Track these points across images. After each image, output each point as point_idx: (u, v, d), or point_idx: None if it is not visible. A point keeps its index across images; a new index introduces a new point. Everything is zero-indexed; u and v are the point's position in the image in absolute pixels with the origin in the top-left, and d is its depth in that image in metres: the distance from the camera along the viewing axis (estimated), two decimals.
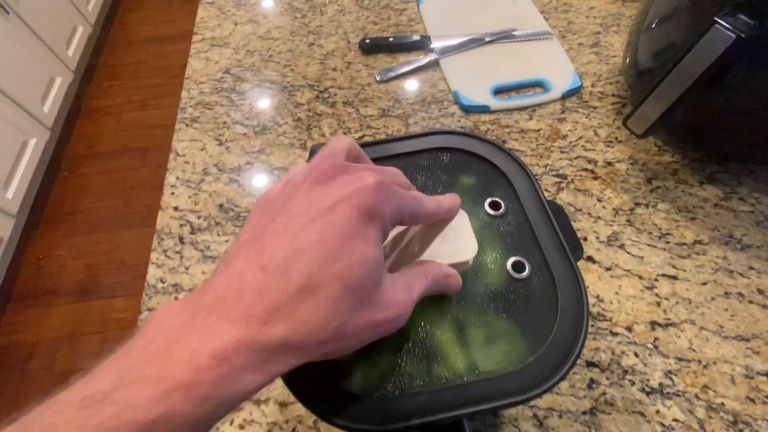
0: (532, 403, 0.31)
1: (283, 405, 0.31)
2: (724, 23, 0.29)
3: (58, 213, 1.38)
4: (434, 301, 0.21)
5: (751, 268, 0.36)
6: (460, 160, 0.25)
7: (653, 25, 0.40)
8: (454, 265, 0.20)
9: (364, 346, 0.16)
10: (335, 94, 0.49)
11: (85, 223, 1.36)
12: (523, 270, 0.21)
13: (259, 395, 0.32)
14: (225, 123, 0.48)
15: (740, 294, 0.35)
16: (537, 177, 0.40)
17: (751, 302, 0.34)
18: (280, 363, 0.14)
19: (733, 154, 0.41)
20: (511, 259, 0.21)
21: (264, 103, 0.49)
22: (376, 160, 0.25)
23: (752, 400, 0.31)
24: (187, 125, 0.48)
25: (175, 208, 0.42)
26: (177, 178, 0.44)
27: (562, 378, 0.18)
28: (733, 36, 0.28)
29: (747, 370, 0.32)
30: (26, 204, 1.33)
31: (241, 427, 0.31)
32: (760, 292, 0.35)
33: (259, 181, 0.43)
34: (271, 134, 0.46)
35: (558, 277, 0.21)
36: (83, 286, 1.24)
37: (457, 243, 0.20)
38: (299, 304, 0.14)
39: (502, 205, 0.23)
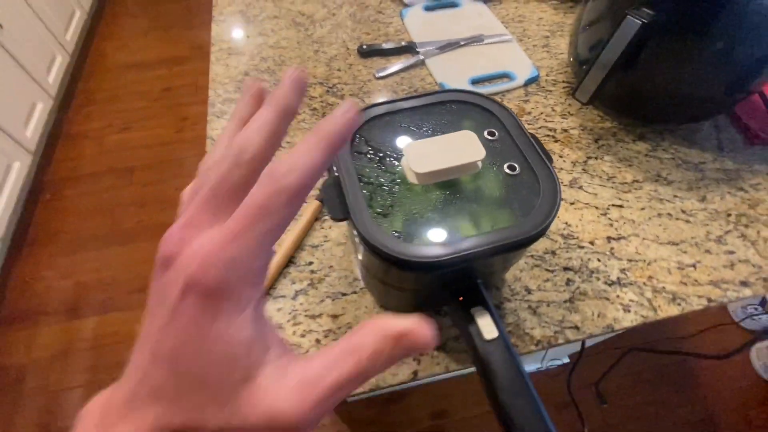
0: (526, 297, 0.40)
1: (334, 317, 0.39)
2: (632, 15, 0.41)
3: (43, 234, 1.37)
4: (455, 190, 0.30)
5: (675, 196, 0.48)
6: (462, 109, 0.35)
7: (586, 27, 0.53)
8: (467, 165, 0.29)
9: None
10: (342, 89, 0.59)
11: (72, 243, 1.36)
12: (515, 170, 0.31)
13: (314, 311, 0.39)
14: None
15: (669, 214, 0.46)
16: None
17: (677, 219, 0.46)
18: None
19: (655, 117, 0.54)
20: (506, 164, 0.31)
21: None
22: (395, 114, 0.34)
23: (684, 284, 0.41)
24: (217, 117, 0.56)
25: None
26: None
27: (547, 227, 0.28)
28: (639, 23, 0.41)
29: (679, 264, 0.43)
30: (10, 227, 1.32)
31: (302, 335, 0.38)
32: (683, 212, 0.47)
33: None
34: (292, 121, 0.55)
35: (538, 173, 0.31)
36: (73, 304, 1.24)
37: (470, 151, 0.29)
38: (164, 399, 0.14)
39: (496, 133, 0.33)
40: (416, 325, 0.15)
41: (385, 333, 0.15)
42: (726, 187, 0.49)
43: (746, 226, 0.45)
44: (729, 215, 0.46)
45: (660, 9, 0.41)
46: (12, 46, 1.39)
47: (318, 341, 0.38)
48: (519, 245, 0.28)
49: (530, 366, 0.96)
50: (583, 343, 0.58)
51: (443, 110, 0.35)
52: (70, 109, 1.72)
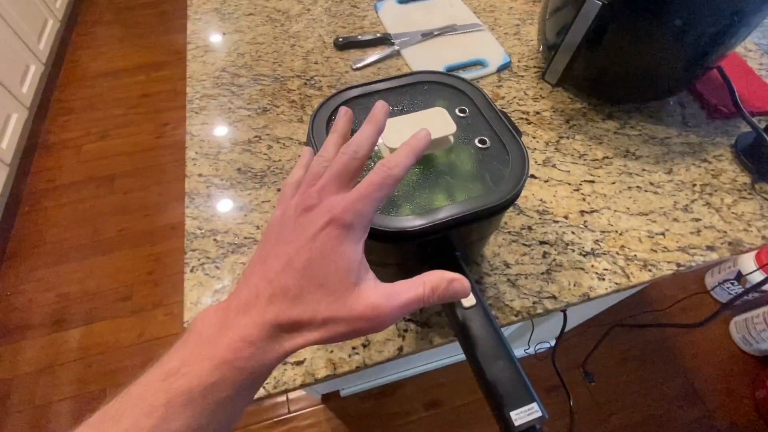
0: (505, 271, 0.42)
1: None
2: None
3: (22, 248, 1.34)
4: (429, 165, 0.31)
5: (644, 170, 0.50)
6: (434, 89, 0.36)
7: (553, 13, 0.55)
8: (440, 139, 0.30)
9: (350, 339, 0.23)
10: (320, 81, 0.60)
11: (53, 254, 1.33)
12: (486, 143, 0.32)
13: None
14: (230, 109, 0.56)
15: (638, 187, 0.48)
16: None
17: (646, 191, 0.48)
18: (285, 340, 0.20)
19: (622, 96, 0.56)
20: (477, 138, 0.33)
21: (261, 91, 0.58)
22: (371, 95, 0.35)
23: (654, 251, 0.43)
24: (196, 113, 0.56)
25: (199, 175, 0.49)
26: (196, 153, 0.51)
27: (517, 194, 0.29)
28: (600, 3, 0.43)
29: (649, 233, 0.45)
30: None
31: None
32: (651, 184, 0.49)
33: (268, 149, 0.52)
34: (271, 114, 0.56)
35: (508, 145, 0.32)
36: (57, 316, 1.21)
37: (442, 126, 0.31)
38: (286, 298, 0.20)
39: (467, 110, 0.35)
40: (461, 277, 0.24)
41: (443, 277, 0.23)
42: (690, 159, 0.51)
43: (710, 194, 0.48)
44: (694, 185, 0.48)
45: None
46: None
47: None
48: (491, 213, 0.29)
49: (517, 350, 0.97)
50: (564, 320, 0.60)
51: (416, 91, 0.36)
52: (46, 119, 1.69)
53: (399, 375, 1.09)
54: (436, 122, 0.31)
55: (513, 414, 0.26)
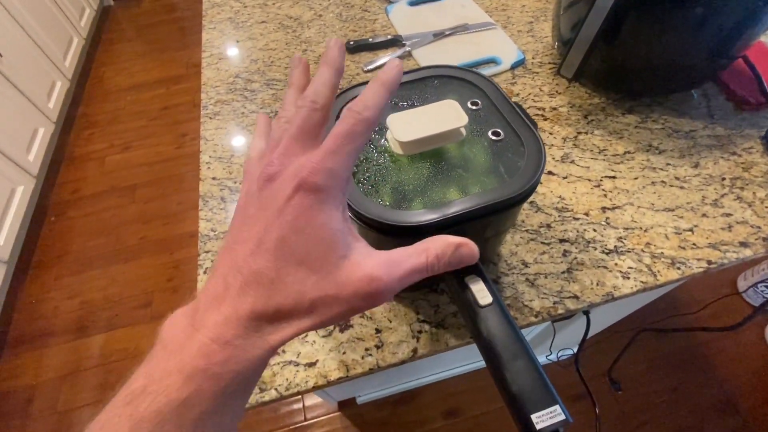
0: (523, 270, 0.40)
1: None
2: None
3: (48, 257, 1.38)
4: (441, 158, 0.30)
5: (668, 164, 0.48)
6: (445, 83, 0.36)
7: (567, 8, 0.54)
8: (452, 132, 0.29)
9: (346, 319, 0.20)
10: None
11: (77, 263, 1.37)
12: (500, 135, 0.31)
13: None
14: (243, 113, 0.57)
15: (663, 182, 0.46)
16: None
17: (672, 186, 0.46)
18: (268, 332, 0.17)
19: (643, 90, 0.54)
20: (491, 131, 0.32)
21: (273, 95, 0.59)
22: None
23: (683, 248, 0.41)
24: (210, 118, 0.57)
25: (213, 178, 0.50)
26: (210, 157, 0.52)
27: (533, 186, 0.28)
28: None
29: (676, 229, 0.42)
30: (16, 251, 1.34)
31: None
32: (676, 178, 0.46)
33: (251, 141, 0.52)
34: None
35: (523, 137, 0.31)
36: (80, 323, 1.24)
37: (453, 118, 0.30)
38: (261, 285, 0.17)
39: (480, 102, 0.34)
40: (468, 241, 0.22)
41: (448, 242, 0.21)
42: (719, 152, 0.48)
43: (742, 188, 0.45)
44: (723, 179, 0.46)
45: None
46: (12, 74, 1.42)
47: None
48: (506, 206, 0.28)
49: (539, 357, 0.94)
50: (588, 323, 0.57)
51: (427, 86, 0.36)
52: (72, 132, 1.76)
53: (417, 382, 1.07)
54: (448, 115, 0.30)
55: (534, 417, 0.24)
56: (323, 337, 0.37)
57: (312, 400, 1.09)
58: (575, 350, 0.99)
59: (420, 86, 0.36)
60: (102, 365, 1.16)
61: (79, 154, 1.68)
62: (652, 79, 0.52)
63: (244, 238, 0.18)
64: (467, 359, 1.03)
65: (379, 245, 0.33)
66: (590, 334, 0.57)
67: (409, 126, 0.30)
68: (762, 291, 1.11)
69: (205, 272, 0.41)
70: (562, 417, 0.24)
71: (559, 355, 0.96)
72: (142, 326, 1.22)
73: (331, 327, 0.37)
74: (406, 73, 0.36)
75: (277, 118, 0.22)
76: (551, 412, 0.24)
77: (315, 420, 1.06)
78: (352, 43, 0.64)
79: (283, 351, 0.36)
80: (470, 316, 0.30)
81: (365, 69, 0.61)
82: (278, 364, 0.35)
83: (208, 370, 0.16)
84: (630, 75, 0.53)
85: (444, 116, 0.30)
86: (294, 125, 0.19)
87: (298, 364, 0.35)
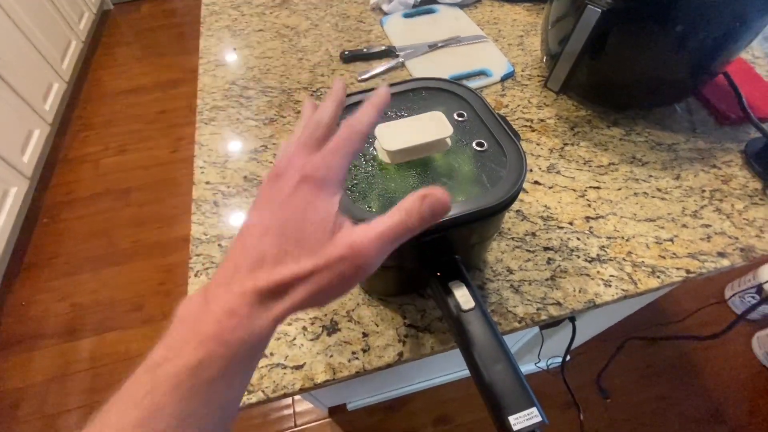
0: (508, 276, 0.41)
1: None
2: (592, 4, 0.44)
3: (39, 259, 1.37)
4: (427, 168, 0.31)
5: (651, 176, 0.49)
6: (433, 95, 0.37)
7: (554, 22, 0.56)
8: (437, 142, 0.31)
9: (341, 291, 0.22)
10: (326, 92, 0.61)
11: (68, 265, 1.36)
12: (483, 146, 0.32)
13: None
14: (238, 119, 0.58)
15: (645, 193, 0.48)
16: None
17: (653, 197, 0.47)
18: (273, 304, 0.19)
19: (627, 104, 0.56)
20: (475, 141, 0.33)
21: (268, 102, 0.60)
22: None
23: (663, 257, 0.42)
24: (205, 123, 0.58)
25: (207, 183, 0.50)
26: (204, 161, 0.53)
27: (514, 195, 0.29)
28: (599, 11, 0.43)
29: (657, 239, 0.44)
30: (7, 252, 1.33)
31: (289, 324, 0.39)
32: (658, 190, 0.48)
33: (274, 158, 0.53)
34: (278, 124, 0.57)
35: (506, 148, 0.32)
36: (70, 326, 1.23)
37: (439, 129, 0.31)
38: (265, 264, 0.20)
39: (465, 114, 0.35)
40: (435, 189, 0.22)
41: (414, 196, 0.22)
42: (699, 165, 0.50)
43: (720, 200, 0.47)
44: (704, 191, 0.47)
45: None
46: (9, 76, 1.42)
47: (305, 328, 0.38)
48: (488, 213, 0.29)
49: (527, 365, 0.95)
50: (573, 331, 0.58)
51: (416, 97, 0.37)
52: (67, 134, 1.75)
53: (407, 389, 1.07)
54: (434, 125, 0.31)
55: (512, 419, 0.25)
56: (311, 340, 0.37)
57: (302, 406, 1.09)
58: (562, 357, 0.99)
59: (409, 97, 0.37)
60: (91, 369, 1.15)
61: (74, 156, 1.68)
62: (636, 93, 0.54)
63: (253, 225, 0.22)
64: (458, 366, 1.04)
65: None
66: (579, 342, 0.58)
67: (397, 136, 0.31)
68: (749, 301, 1.13)
69: (196, 275, 0.42)
70: (539, 419, 0.25)
71: (549, 363, 0.97)
72: (133, 330, 1.22)
73: (319, 331, 0.38)
74: (395, 84, 0.38)
75: (287, 141, 0.25)
76: (528, 414, 0.25)
77: (305, 426, 1.05)
78: (347, 53, 0.66)
79: (271, 354, 0.37)
80: (453, 320, 0.30)
81: (360, 78, 0.63)
82: (266, 366, 0.36)
83: (220, 336, 0.18)
84: (615, 89, 0.54)
85: (430, 127, 0.31)
86: (302, 138, 0.24)
87: (285, 367, 0.36)
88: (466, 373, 1.06)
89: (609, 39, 0.47)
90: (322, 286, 0.20)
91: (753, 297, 1.12)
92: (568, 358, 0.96)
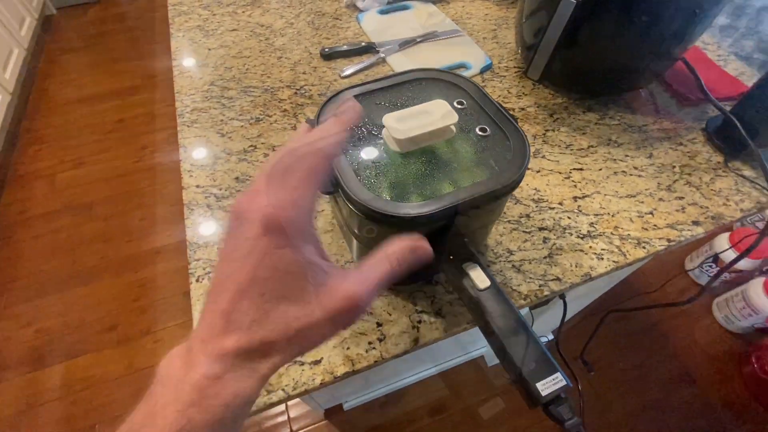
0: (509, 258, 0.43)
1: None
2: None
3: None
4: (434, 155, 0.32)
5: (627, 155, 0.53)
6: (430, 85, 0.38)
7: (528, 17, 0.58)
8: (443, 129, 0.32)
9: (330, 338, 0.22)
10: (310, 89, 0.61)
11: (29, 289, 1.27)
12: (486, 131, 0.34)
13: None
14: (222, 120, 0.56)
15: (624, 171, 0.51)
16: None
17: (631, 175, 0.51)
18: (259, 364, 0.18)
19: (600, 90, 0.59)
20: (478, 127, 0.34)
21: (252, 102, 0.59)
22: (371, 93, 0.36)
23: (646, 229, 0.46)
24: (188, 126, 0.56)
25: (197, 186, 0.49)
26: (191, 164, 0.51)
27: (521, 176, 0.31)
28: (573, 2, 0.46)
29: (639, 213, 0.47)
30: None
31: None
32: (635, 168, 0.51)
33: (264, 157, 0.52)
34: (264, 123, 0.56)
35: (507, 131, 0.34)
36: (37, 353, 1.15)
37: (444, 116, 0.32)
38: (243, 324, 0.18)
39: (465, 102, 0.36)
40: (420, 242, 0.23)
41: (403, 246, 0.23)
42: (668, 143, 0.54)
43: (690, 174, 0.51)
44: (674, 167, 0.51)
45: None
46: None
47: None
48: (498, 195, 0.30)
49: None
50: (564, 307, 0.61)
51: (413, 87, 0.38)
52: (16, 149, 1.63)
53: (402, 382, 1.08)
54: (439, 113, 0.32)
55: (539, 385, 0.27)
56: None
57: (297, 410, 1.07)
58: (550, 337, 1.04)
59: (407, 88, 0.38)
60: (65, 396, 1.07)
61: (26, 172, 1.56)
62: (607, 80, 0.57)
63: (222, 282, 0.19)
64: (450, 355, 1.06)
65: (380, 239, 0.35)
66: (565, 318, 0.61)
67: (405, 124, 0.31)
68: (707, 270, 1.23)
69: (197, 280, 0.41)
70: (563, 383, 0.27)
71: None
72: (108, 351, 1.15)
73: None
74: (392, 76, 0.38)
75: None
76: (554, 380, 0.27)
77: (301, 430, 1.04)
78: (327, 50, 0.66)
79: None
80: (470, 300, 0.32)
81: (342, 75, 0.63)
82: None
83: (202, 403, 0.17)
84: (588, 77, 0.58)
85: (436, 115, 0.32)
86: (267, 165, 0.21)
87: (303, 363, 0.36)
88: (458, 360, 1.08)
89: (581, 30, 0.50)
90: (316, 341, 0.20)
91: (710, 266, 1.21)
92: (552, 337, 1.01)
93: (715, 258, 1.17)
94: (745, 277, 1.19)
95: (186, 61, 0.65)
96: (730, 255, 1.09)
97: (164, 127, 1.71)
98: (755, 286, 1.10)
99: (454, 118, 0.32)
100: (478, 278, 0.32)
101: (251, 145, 0.53)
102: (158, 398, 0.18)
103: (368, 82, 0.38)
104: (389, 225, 0.29)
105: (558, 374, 0.27)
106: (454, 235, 0.34)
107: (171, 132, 1.67)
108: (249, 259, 0.19)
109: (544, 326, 0.95)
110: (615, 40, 0.51)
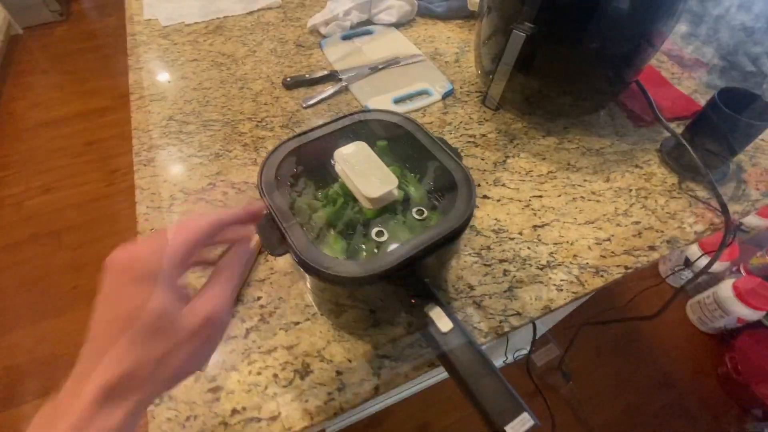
0: (470, 293, 0.43)
1: (289, 348, 0.39)
2: (517, 29, 0.47)
3: None
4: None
5: (585, 180, 0.53)
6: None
7: (485, 41, 0.59)
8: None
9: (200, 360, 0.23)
10: (272, 121, 0.60)
11: None
12: (423, 214, 0.34)
13: (268, 346, 0.39)
14: (180, 158, 0.55)
15: (582, 197, 0.52)
16: None
17: (589, 200, 0.51)
18: (116, 406, 0.19)
19: (558, 114, 0.60)
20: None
21: (211, 137, 0.58)
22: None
23: (604, 257, 0.46)
24: (144, 165, 0.54)
25: (152, 230, 0.48)
26: (147, 207, 0.50)
27: (471, 215, 0.31)
28: (524, 35, 0.46)
29: (597, 240, 0.48)
30: None
31: (258, 373, 0.38)
32: (593, 193, 0.52)
33: (224, 195, 0.51)
34: (224, 159, 0.55)
35: (452, 170, 0.33)
36: (6, 393, 1.10)
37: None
38: (106, 360, 0.20)
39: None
40: (240, 245, 0.27)
41: (232, 261, 0.26)
42: (624, 166, 0.55)
43: (645, 197, 0.52)
44: (630, 190, 0.52)
45: (539, 22, 0.47)
46: None
47: (276, 375, 0.37)
48: (451, 237, 0.30)
49: (496, 362, 0.99)
50: (534, 330, 0.62)
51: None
52: None
53: (383, 403, 1.07)
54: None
55: (508, 428, 0.26)
56: (284, 387, 0.37)
57: None
58: (527, 350, 1.05)
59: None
60: None
61: None
62: (564, 105, 0.58)
63: (94, 326, 0.21)
64: (432, 373, 1.06)
65: (340, 297, 0.34)
66: (539, 334, 0.62)
67: (370, 182, 0.31)
68: (680, 275, 1.26)
69: None
70: (532, 422, 0.27)
71: (516, 355, 1.01)
72: None
73: (291, 376, 0.37)
74: (332, 122, 0.37)
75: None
76: (521, 420, 0.27)
77: None
78: (289, 79, 0.65)
79: (243, 408, 0.35)
80: (435, 344, 0.31)
81: (305, 105, 0.62)
82: (239, 422, 0.35)
83: None
84: (545, 101, 0.58)
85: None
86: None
87: (260, 420, 0.35)
88: (440, 377, 1.08)
89: (535, 58, 0.51)
90: (184, 365, 0.22)
91: (682, 269, 1.24)
92: (529, 351, 1.01)
93: (687, 262, 1.20)
94: (716, 278, 1.22)
95: (144, 95, 0.64)
96: (702, 261, 1.12)
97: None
98: (725, 287, 1.13)
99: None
100: (441, 321, 0.31)
101: (210, 183, 0.52)
102: None
103: (305, 132, 0.36)
104: (347, 284, 0.29)
105: (525, 414, 0.27)
106: (413, 279, 0.33)
107: None
108: (107, 301, 0.22)
109: (521, 341, 0.96)
110: (569, 67, 0.52)
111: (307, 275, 0.34)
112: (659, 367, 1.15)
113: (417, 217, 0.31)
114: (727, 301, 1.11)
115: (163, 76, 0.67)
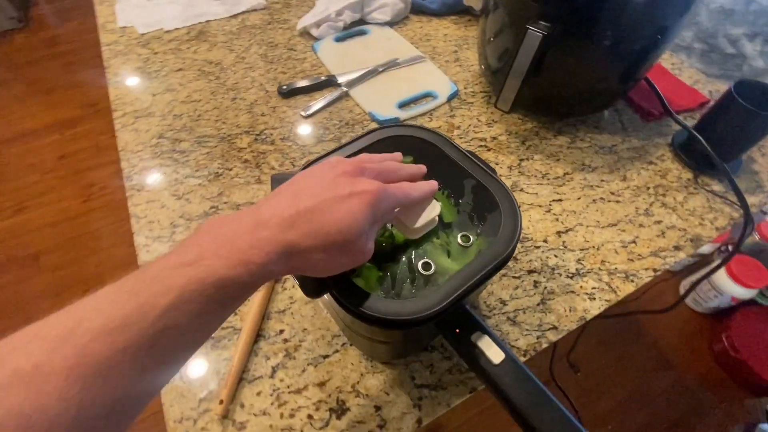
0: (503, 309, 0.41)
1: (321, 385, 0.36)
2: (533, 29, 0.45)
3: None
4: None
5: (602, 180, 0.52)
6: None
7: (491, 39, 0.57)
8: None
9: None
10: (271, 134, 0.56)
11: None
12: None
13: (298, 385, 0.36)
14: (176, 179, 0.51)
15: (602, 198, 0.51)
16: None
17: (609, 201, 0.50)
18: (292, 260, 0.22)
19: (568, 112, 0.59)
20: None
21: (208, 155, 0.54)
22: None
23: (631, 260, 0.45)
24: (138, 191, 0.50)
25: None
26: (146, 237, 0.46)
27: (517, 241, 0.29)
28: (540, 35, 0.44)
29: (622, 243, 0.47)
30: None
31: (291, 415, 0.35)
32: (612, 193, 0.51)
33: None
34: (225, 178, 0.51)
35: (493, 190, 0.31)
36: None
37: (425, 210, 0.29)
38: (303, 229, 0.22)
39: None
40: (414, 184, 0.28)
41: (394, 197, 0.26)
42: (639, 163, 0.54)
43: (664, 195, 0.51)
44: (648, 188, 0.52)
45: (555, 20, 0.45)
46: None
47: (310, 417, 0.35)
48: (503, 264, 0.28)
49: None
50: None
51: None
52: None
53: None
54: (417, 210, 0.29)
55: None
56: (320, 429, 0.34)
57: None
58: None
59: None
60: None
61: None
62: (575, 103, 0.57)
63: (310, 192, 0.23)
64: None
65: (375, 333, 0.32)
66: None
67: (413, 212, 0.28)
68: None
69: None
70: None
71: None
72: None
73: (326, 415, 0.35)
74: (357, 139, 0.35)
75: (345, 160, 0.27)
76: None
77: None
78: (284, 87, 0.61)
79: None
80: (485, 376, 0.29)
81: (304, 114, 0.59)
82: None
83: (248, 265, 0.20)
84: (556, 101, 0.57)
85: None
86: (383, 166, 0.27)
87: None
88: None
89: (548, 57, 0.49)
90: (338, 264, 0.24)
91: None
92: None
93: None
94: (707, 260, 1.25)
95: (128, 112, 0.59)
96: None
97: (113, 160, 1.58)
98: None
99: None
100: (491, 351, 0.29)
101: (212, 207, 0.49)
102: (210, 246, 0.20)
103: (330, 152, 0.34)
104: (391, 327, 0.26)
105: None
106: (456, 309, 0.31)
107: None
108: (343, 201, 0.23)
109: None
110: (582, 65, 0.51)
111: (339, 308, 0.31)
112: (658, 349, 1.18)
113: (462, 243, 0.29)
114: (720, 281, 1.14)
115: (147, 90, 0.62)
